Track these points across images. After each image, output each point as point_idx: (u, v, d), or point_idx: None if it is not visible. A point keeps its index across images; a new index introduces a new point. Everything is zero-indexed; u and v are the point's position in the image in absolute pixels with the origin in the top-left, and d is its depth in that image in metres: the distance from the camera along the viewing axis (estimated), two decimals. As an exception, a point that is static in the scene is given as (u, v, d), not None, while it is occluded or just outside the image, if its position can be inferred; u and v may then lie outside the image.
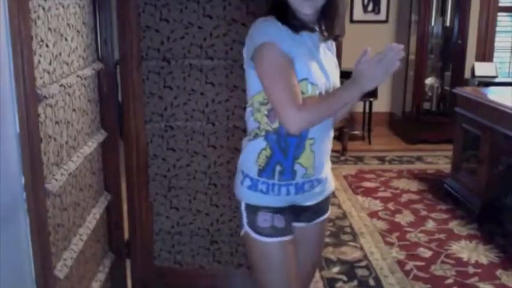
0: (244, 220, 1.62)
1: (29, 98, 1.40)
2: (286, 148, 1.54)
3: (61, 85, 1.67)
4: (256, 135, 1.58)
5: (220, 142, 2.45)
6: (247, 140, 1.64)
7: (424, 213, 3.73)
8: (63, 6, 1.74)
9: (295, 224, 1.69)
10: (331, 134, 1.65)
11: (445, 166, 4.66)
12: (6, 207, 1.35)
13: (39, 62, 1.52)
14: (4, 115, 1.34)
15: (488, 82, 5.46)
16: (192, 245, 2.58)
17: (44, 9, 1.56)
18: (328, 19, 1.55)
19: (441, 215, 3.69)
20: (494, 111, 3.35)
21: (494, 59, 5.98)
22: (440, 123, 5.42)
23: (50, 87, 1.58)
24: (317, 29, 1.56)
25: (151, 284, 2.61)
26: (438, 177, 4.44)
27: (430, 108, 5.69)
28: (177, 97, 2.41)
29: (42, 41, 1.54)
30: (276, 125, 1.52)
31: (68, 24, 1.80)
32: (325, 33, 1.57)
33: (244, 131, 2.43)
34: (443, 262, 3.02)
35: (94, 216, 2.08)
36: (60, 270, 1.65)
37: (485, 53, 5.94)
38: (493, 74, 5.75)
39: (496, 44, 5.98)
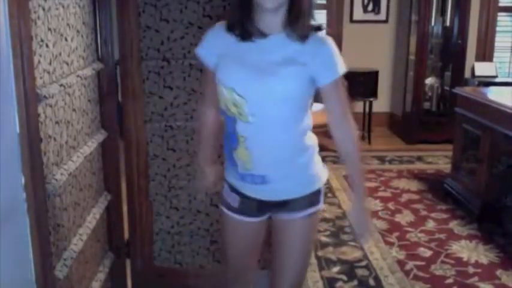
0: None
1: (29, 98, 1.40)
2: (226, 138, 1.67)
3: (61, 85, 1.67)
4: None
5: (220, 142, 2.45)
6: None
7: (424, 213, 3.73)
8: (63, 6, 1.74)
9: (273, 214, 1.78)
10: (281, 139, 1.61)
11: (445, 166, 4.66)
12: (6, 207, 1.35)
13: (39, 62, 1.52)
14: (4, 115, 1.34)
15: (488, 82, 5.46)
16: (192, 245, 2.59)
17: (44, 9, 1.56)
18: (293, 17, 1.53)
19: (441, 215, 3.69)
20: (494, 111, 3.35)
21: (494, 59, 5.98)
22: (440, 123, 5.42)
23: (50, 87, 1.58)
24: (274, 32, 1.54)
25: (151, 284, 2.61)
26: (438, 177, 4.44)
27: (430, 108, 5.69)
28: (177, 97, 2.41)
29: (42, 41, 1.55)
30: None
31: (68, 24, 1.80)
32: (291, 34, 1.54)
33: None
34: (443, 262, 3.02)
35: (94, 216, 2.08)
36: (60, 270, 1.65)
37: (485, 53, 5.94)
38: (493, 74, 5.75)
39: (496, 44, 5.98)
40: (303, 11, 1.53)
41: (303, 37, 1.54)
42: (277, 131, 1.59)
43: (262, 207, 1.74)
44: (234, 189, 1.74)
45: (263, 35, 1.55)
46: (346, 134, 1.67)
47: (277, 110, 1.55)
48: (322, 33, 1.60)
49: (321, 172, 1.76)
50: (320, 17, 5.95)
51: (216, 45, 1.62)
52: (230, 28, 1.58)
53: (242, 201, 1.73)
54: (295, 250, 1.75)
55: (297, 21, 1.53)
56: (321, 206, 1.77)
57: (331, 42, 1.60)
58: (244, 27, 1.55)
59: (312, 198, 1.72)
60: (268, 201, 1.72)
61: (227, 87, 1.56)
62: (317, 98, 1.70)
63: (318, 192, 1.74)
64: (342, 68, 1.61)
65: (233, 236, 1.82)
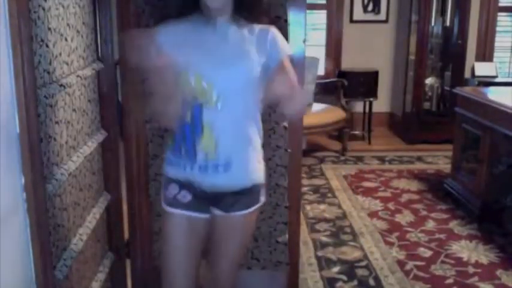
0: (161, 194, 1.79)
1: (29, 98, 1.40)
2: (184, 131, 1.65)
3: (61, 85, 1.67)
4: None
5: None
6: None
7: (424, 213, 3.73)
8: (63, 6, 1.74)
9: (216, 211, 1.75)
10: (243, 124, 1.66)
11: (445, 166, 4.66)
12: (6, 207, 1.35)
13: (39, 62, 1.52)
14: (4, 115, 1.34)
15: (488, 82, 5.46)
16: (192, 245, 2.58)
17: (44, 9, 1.56)
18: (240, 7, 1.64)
19: (441, 215, 3.69)
20: (494, 111, 3.35)
21: (494, 59, 5.98)
22: (440, 123, 5.42)
23: (50, 87, 1.58)
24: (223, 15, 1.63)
25: (151, 284, 2.61)
26: (438, 177, 4.44)
27: (430, 108, 5.68)
28: (177, 97, 2.41)
29: (42, 41, 1.54)
30: None
31: (68, 24, 1.80)
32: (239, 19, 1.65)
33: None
34: (443, 262, 3.02)
35: (94, 216, 2.08)
36: (60, 270, 1.65)
37: (485, 53, 5.94)
38: (493, 74, 5.75)
39: (496, 44, 5.98)
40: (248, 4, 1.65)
41: (248, 24, 1.65)
42: (240, 115, 1.65)
43: (213, 200, 1.72)
44: (183, 186, 1.71)
45: (216, 23, 1.62)
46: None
47: (241, 94, 1.62)
48: (266, 25, 1.71)
49: (262, 168, 1.78)
50: (320, 17, 5.96)
51: (171, 34, 1.64)
52: (183, 13, 1.64)
53: (194, 196, 1.71)
54: (231, 247, 1.80)
55: (244, 11, 1.64)
56: (263, 200, 1.80)
57: (274, 28, 1.71)
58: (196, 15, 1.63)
59: (254, 195, 1.75)
60: (224, 192, 1.69)
61: (195, 75, 1.58)
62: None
63: (259, 188, 1.76)
64: (288, 50, 1.71)
65: (180, 237, 1.73)
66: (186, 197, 1.72)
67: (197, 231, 1.75)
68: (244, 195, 1.72)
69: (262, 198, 1.79)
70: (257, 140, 1.72)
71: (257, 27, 1.68)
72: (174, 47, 1.56)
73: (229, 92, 1.60)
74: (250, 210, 1.75)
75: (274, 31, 1.69)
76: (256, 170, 1.73)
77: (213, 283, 1.87)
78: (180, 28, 1.66)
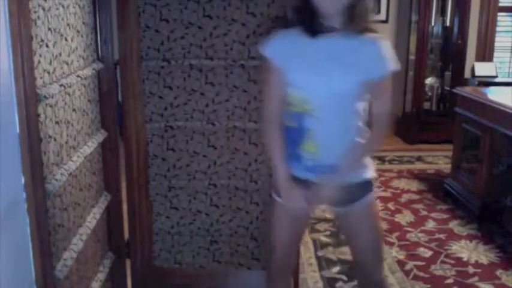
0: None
1: (29, 98, 1.40)
2: (289, 135, 1.78)
3: (61, 85, 1.67)
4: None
5: (220, 142, 2.45)
6: None
7: (424, 213, 3.73)
8: (63, 6, 1.74)
9: (337, 209, 1.88)
10: (340, 131, 1.76)
11: (445, 166, 4.66)
12: (6, 207, 1.35)
13: (39, 62, 1.52)
14: (4, 115, 1.34)
15: (488, 82, 5.45)
16: (192, 245, 2.58)
17: (44, 9, 1.56)
18: (351, 16, 1.65)
19: (441, 215, 3.69)
20: (494, 111, 3.35)
21: (494, 59, 5.97)
22: (440, 123, 5.42)
23: (50, 87, 1.58)
24: (337, 28, 1.67)
25: (151, 284, 2.61)
26: (438, 177, 4.44)
27: (430, 108, 5.68)
28: (177, 97, 2.41)
29: (42, 41, 1.54)
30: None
31: (68, 24, 1.80)
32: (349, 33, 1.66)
33: (244, 131, 2.44)
34: (443, 262, 3.02)
35: (94, 216, 2.08)
36: (60, 271, 1.65)
37: (485, 53, 5.93)
38: (493, 74, 5.74)
39: (496, 44, 5.97)
40: (360, 13, 1.66)
41: (358, 35, 1.66)
42: (340, 122, 1.75)
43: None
44: (295, 181, 1.80)
45: (325, 32, 1.67)
46: (381, 108, 1.81)
47: (341, 104, 1.72)
48: (375, 35, 1.71)
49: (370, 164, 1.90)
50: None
51: (281, 47, 1.73)
52: (293, 26, 1.70)
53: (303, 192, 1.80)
54: (368, 236, 1.93)
55: (354, 22, 1.66)
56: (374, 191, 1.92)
57: (382, 41, 1.71)
58: (308, 24, 1.67)
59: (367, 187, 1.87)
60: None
61: (298, 87, 1.70)
62: None
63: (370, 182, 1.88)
64: (391, 65, 1.72)
65: (287, 223, 1.91)
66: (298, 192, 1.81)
67: (300, 219, 1.94)
68: (356, 189, 1.82)
69: (374, 189, 1.90)
70: (359, 141, 1.79)
71: (365, 38, 1.68)
72: (282, 60, 1.71)
73: (330, 101, 1.69)
74: (367, 199, 1.85)
75: (381, 44, 1.69)
76: (362, 167, 1.83)
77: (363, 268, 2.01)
78: (286, 41, 1.73)
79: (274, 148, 1.82)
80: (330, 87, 1.68)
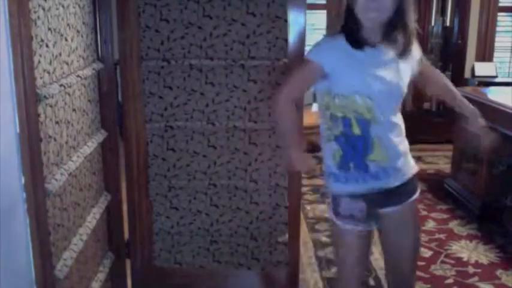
0: (330, 209, 1.88)
1: (29, 98, 1.41)
2: (354, 147, 1.78)
3: (61, 85, 1.67)
4: (329, 140, 1.83)
5: (220, 142, 2.46)
6: (322, 142, 1.89)
7: (424, 213, 3.73)
8: (63, 6, 1.74)
9: (385, 210, 1.85)
10: (393, 131, 1.81)
11: (445, 166, 4.66)
12: (6, 207, 1.35)
13: (39, 62, 1.52)
14: (4, 115, 1.34)
15: (488, 82, 5.45)
16: (192, 245, 2.58)
17: (44, 9, 1.56)
18: (395, 35, 1.74)
19: (441, 215, 3.69)
20: (494, 111, 3.34)
21: (494, 59, 5.97)
22: (440, 123, 5.42)
23: (50, 87, 1.58)
24: (380, 44, 1.74)
25: (151, 284, 2.61)
26: (438, 177, 4.44)
27: (430, 108, 5.68)
28: (177, 97, 2.41)
29: (42, 41, 1.55)
30: (340, 128, 1.77)
31: (68, 24, 1.80)
32: (395, 49, 1.75)
33: (244, 131, 2.45)
34: (443, 262, 3.02)
35: (94, 216, 2.08)
36: (60, 270, 1.65)
37: (485, 53, 5.93)
38: (493, 74, 5.74)
39: (496, 44, 5.97)
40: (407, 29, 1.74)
41: (405, 51, 1.77)
42: (395, 123, 1.81)
43: (384, 199, 1.84)
44: (355, 197, 1.81)
45: (371, 45, 1.72)
46: (447, 86, 2.10)
47: (396, 106, 1.82)
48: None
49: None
50: (320, 17, 5.96)
51: (335, 55, 1.74)
52: (346, 38, 1.73)
53: (367, 207, 1.81)
54: (413, 233, 1.98)
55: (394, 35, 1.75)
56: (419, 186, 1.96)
57: (418, 46, 1.86)
58: (354, 36, 1.72)
59: (415, 182, 1.92)
60: (392, 188, 1.83)
61: (362, 95, 1.72)
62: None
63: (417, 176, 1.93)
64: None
65: (353, 248, 1.89)
66: (360, 208, 1.81)
67: (365, 242, 1.91)
68: (409, 185, 1.87)
69: (418, 185, 1.96)
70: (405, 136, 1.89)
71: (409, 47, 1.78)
72: (340, 72, 1.72)
73: (389, 107, 1.78)
74: (416, 195, 1.92)
75: (419, 51, 1.86)
76: (412, 162, 1.90)
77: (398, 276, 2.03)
78: (339, 50, 1.74)
79: (291, 126, 1.82)
80: (391, 95, 1.76)
